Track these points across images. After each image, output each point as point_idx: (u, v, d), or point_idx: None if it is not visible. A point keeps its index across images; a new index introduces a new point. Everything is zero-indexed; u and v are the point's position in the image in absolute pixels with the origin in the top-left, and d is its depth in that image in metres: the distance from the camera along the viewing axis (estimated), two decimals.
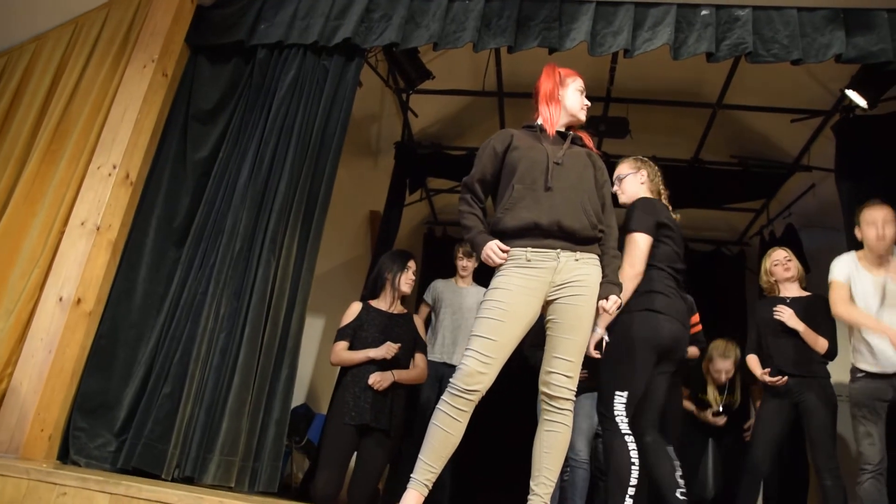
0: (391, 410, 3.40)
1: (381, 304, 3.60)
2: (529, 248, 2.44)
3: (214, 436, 3.05)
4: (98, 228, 3.32)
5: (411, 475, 2.32)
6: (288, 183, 3.49)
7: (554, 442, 2.37)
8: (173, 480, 2.95)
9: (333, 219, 3.75)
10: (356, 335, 3.47)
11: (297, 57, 3.75)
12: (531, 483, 2.37)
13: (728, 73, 4.58)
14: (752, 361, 3.89)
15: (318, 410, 5.56)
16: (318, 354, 6.16)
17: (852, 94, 4.13)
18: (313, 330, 6.11)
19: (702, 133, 5.29)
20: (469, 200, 2.65)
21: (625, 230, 2.95)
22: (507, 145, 2.63)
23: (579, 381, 3.41)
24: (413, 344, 3.60)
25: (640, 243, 2.91)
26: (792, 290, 3.90)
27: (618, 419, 2.78)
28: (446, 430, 2.30)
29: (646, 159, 3.28)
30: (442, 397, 2.36)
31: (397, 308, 3.65)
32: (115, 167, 3.41)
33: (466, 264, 4.56)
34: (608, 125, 5.01)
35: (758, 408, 3.85)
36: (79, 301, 3.23)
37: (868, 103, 4.10)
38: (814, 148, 5.10)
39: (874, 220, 3.34)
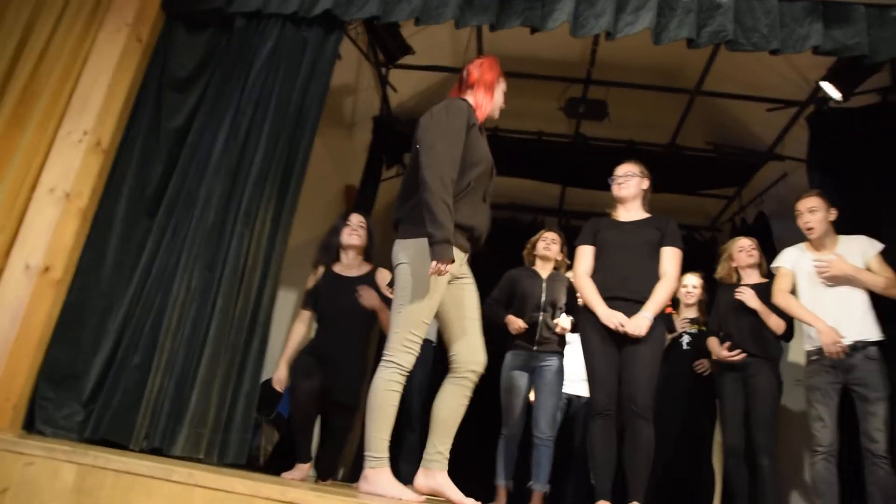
0: (354, 384, 3.46)
1: (341, 267, 3.66)
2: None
3: (184, 407, 3.04)
4: (68, 196, 3.25)
5: (377, 455, 2.42)
6: (263, 155, 3.45)
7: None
8: (142, 451, 2.94)
9: (308, 192, 3.72)
10: (316, 302, 3.57)
11: (275, 27, 3.69)
12: (434, 448, 2.56)
13: (708, 59, 4.61)
14: (713, 343, 4.00)
15: (288, 384, 5.55)
16: (291, 327, 6.13)
17: (827, 87, 4.18)
18: (286, 303, 6.07)
19: (679, 118, 5.32)
20: None
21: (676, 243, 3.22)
22: (470, 123, 2.63)
23: (547, 348, 3.64)
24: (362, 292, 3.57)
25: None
26: (752, 277, 4.04)
27: None
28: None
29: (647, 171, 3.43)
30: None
31: (358, 269, 3.66)
32: (85, 133, 3.34)
33: None
34: (587, 107, 5.03)
35: (721, 392, 3.94)
36: (46, 269, 3.17)
37: (842, 96, 4.16)
38: (788, 137, 5.17)
39: (800, 211, 3.57)
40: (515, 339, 4.02)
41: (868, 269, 3.38)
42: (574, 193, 6.56)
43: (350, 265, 3.66)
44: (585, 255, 3.33)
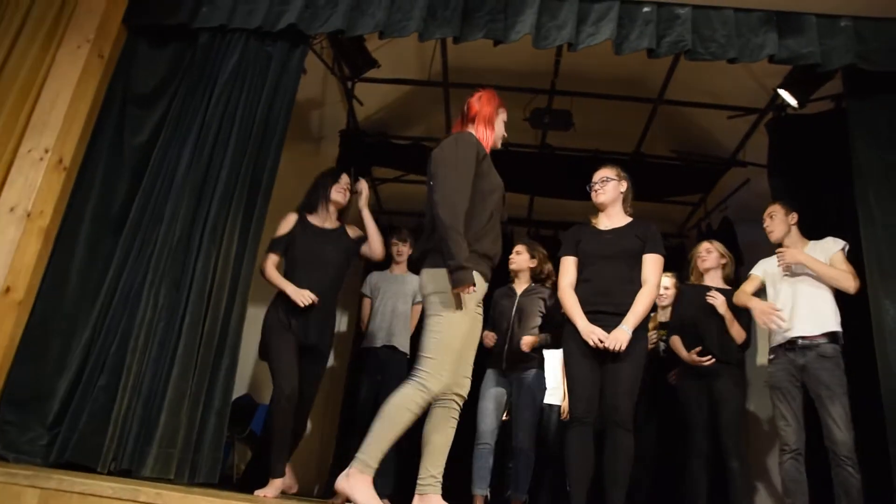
0: (325, 329, 3.54)
1: (316, 218, 3.65)
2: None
3: (153, 428, 2.99)
4: (29, 215, 3.20)
5: (369, 463, 2.44)
6: (230, 171, 3.43)
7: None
8: (109, 474, 2.89)
9: (276, 207, 3.71)
10: (288, 250, 3.51)
11: (240, 42, 3.68)
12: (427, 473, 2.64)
13: (669, 68, 4.69)
14: (677, 342, 4.04)
15: (260, 401, 5.50)
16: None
17: (784, 94, 4.28)
18: (256, 320, 6.00)
19: (643, 127, 5.40)
20: None
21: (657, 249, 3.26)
22: (480, 155, 2.75)
23: (522, 366, 3.70)
24: (349, 254, 3.69)
25: None
26: (715, 281, 4.10)
27: None
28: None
29: (625, 174, 3.49)
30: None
31: (332, 222, 3.69)
32: (47, 151, 3.29)
33: (402, 249, 4.60)
34: (552, 117, 5.07)
35: (685, 395, 3.99)
36: (8, 290, 3.11)
37: (798, 103, 4.27)
38: (749, 144, 5.27)
39: (763, 218, 3.77)
40: (490, 358, 4.05)
41: (835, 260, 3.48)
42: (543, 203, 6.61)
43: (325, 219, 3.68)
44: (568, 266, 3.33)
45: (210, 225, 3.31)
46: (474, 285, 2.51)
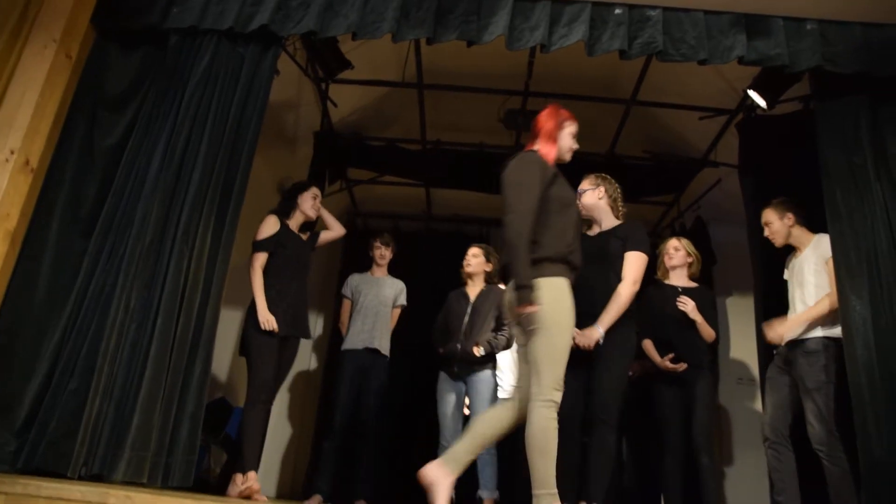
0: (301, 317, 3.80)
1: (293, 224, 3.90)
2: None
3: (124, 432, 2.96)
4: None
5: (549, 491, 2.47)
6: (202, 173, 3.40)
7: None
8: (80, 479, 2.84)
9: (250, 209, 3.69)
10: (276, 251, 3.68)
11: (211, 43, 3.65)
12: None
13: (641, 70, 4.74)
14: (649, 346, 4.09)
15: (236, 404, 5.45)
16: (236, 348, 6.02)
17: (754, 95, 4.34)
18: (231, 323, 5.95)
19: (617, 128, 5.45)
20: None
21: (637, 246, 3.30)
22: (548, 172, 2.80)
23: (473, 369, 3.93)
24: (310, 251, 4.01)
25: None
26: (680, 280, 4.14)
27: None
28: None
29: (606, 176, 3.51)
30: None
31: (303, 233, 3.96)
32: (12, 153, 3.24)
33: (384, 252, 4.60)
34: (525, 118, 5.10)
35: (658, 397, 4.04)
36: None
37: (767, 104, 4.33)
38: (720, 144, 5.34)
39: (766, 222, 3.76)
40: (444, 362, 4.11)
41: (826, 268, 3.52)
42: None
43: (297, 227, 3.92)
44: None
45: (182, 227, 3.28)
46: (534, 303, 2.56)
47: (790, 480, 3.35)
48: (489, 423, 2.68)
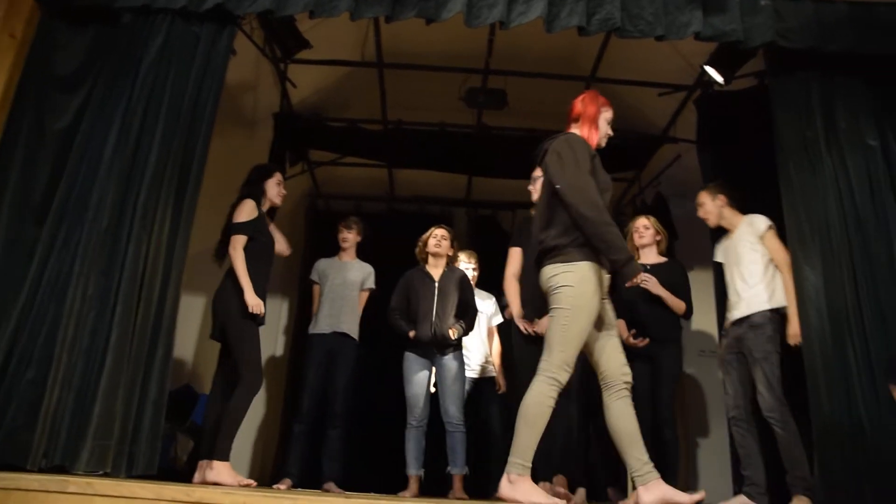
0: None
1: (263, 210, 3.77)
2: None
3: (86, 421, 2.91)
4: None
5: (524, 463, 2.52)
6: (158, 156, 3.34)
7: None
8: (41, 471, 2.79)
9: (211, 193, 3.64)
10: (254, 236, 3.57)
11: (164, 22, 3.57)
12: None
13: (600, 47, 4.77)
14: (620, 325, 4.15)
15: (201, 391, 5.40)
16: (200, 333, 5.96)
17: (710, 71, 4.40)
18: (194, 310, 5.89)
19: None
20: None
21: None
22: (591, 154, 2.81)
23: (448, 344, 3.94)
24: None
25: None
26: (650, 257, 4.21)
27: None
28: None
29: None
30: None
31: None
32: None
33: (347, 236, 4.58)
34: (487, 96, 5.10)
35: None
36: None
37: (724, 79, 4.39)
38: (679, 120, 5.41)
39: (701, 202, 3.87)
40: (413, 344, 4.10)
41: (762, 244, 3.62)
42: (481, 183, 6.65)
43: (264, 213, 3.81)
44: (515, 257, 3.45)
45: (140, 211, 3.22)
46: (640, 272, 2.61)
47: (755, 455, 3.46)
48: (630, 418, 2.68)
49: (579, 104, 2.99)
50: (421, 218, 6.64)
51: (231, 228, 3.57)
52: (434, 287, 4.14)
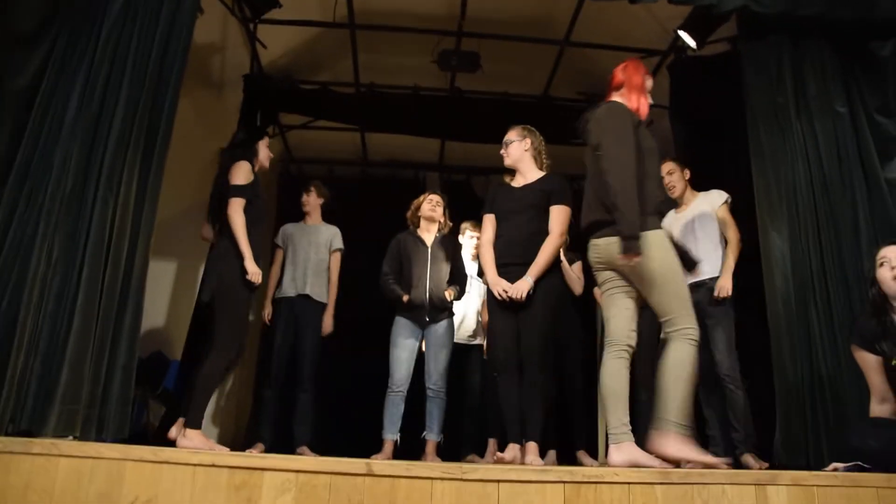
0: None
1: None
2: None
3: (53, 385, 2.86)
4: None
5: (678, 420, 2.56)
6: (124, 116, 3.24)
7: None
8: (7, 436, 2.76)
9: (179, 156, 3.57)
10: (253, 201, 3.45)
11: None
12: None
13: (574, 10, 4.73)
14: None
15: (172, 357, 5.38)
16: (171, 299, 5.91)
17: (684, 35, 4.40)
18: (165, 274, 5.83)
19: (551, 70, 5.45)
20: None
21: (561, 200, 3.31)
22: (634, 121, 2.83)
23: (439, 316, 4.02)
24: None
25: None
26: None
27: None
28: None
29: (532, 129, 3.52)
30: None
31: None
32: None
33: (307, 199, 4.55)
34: (460, 59, 5.06)
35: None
36: None
37: (697, 44, 4.40)
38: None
39: (664, 175, 3.83)
40: (405, 309, 4.09)
41: (718, 218, 3.71)
42: (454, 148, 6.62)
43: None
44: (487, 223, 3.44)
45: (105, 173, 3.14)
46: (640, 254, 2.59)
47: (720, 416, 3.54)
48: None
49: (620, 73, 2.98)
50: (393, 182, 6.61)
51: (230, 191, 3.41)
52: (427, 252, 4.14)
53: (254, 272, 3.34)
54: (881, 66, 3.68)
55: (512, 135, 3.49)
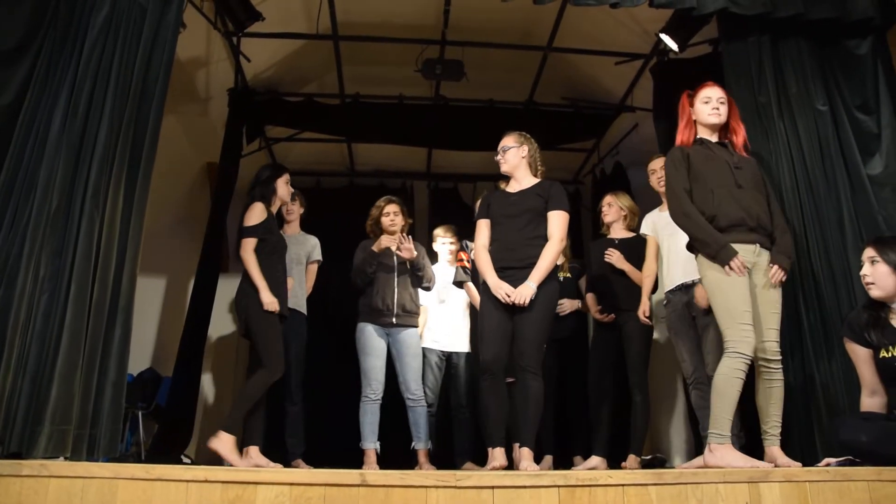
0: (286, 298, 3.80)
1: (273, 210, 3.87)
2: None
3: (43, 405, 2.83)
4: None
5: (723, 433, 2.76)
6: (108, 131, 3.22)
7: (778, 394, 2.94)
8: None
9: (166, 172, 3.57)
10: (265, 237, 3.67)
11: None
12: (764, 427, 2.95)
13: (556, 16, 4.76)
14: (591, 300, 4.26)
15: (164, 374, 5.35)
16: (162, 315, 5.89)
17: (665, 38, 4.44)
18: (154, 290, 5.82)
19: (535, 76, 5.48)
20: None
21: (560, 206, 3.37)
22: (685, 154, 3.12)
23: (405, 322, 4.06)
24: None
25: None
26: (618, 232, 4.29)
27: None
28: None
29: (528, 136, 3.53)
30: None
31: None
32: None
33: (292, 208, 4.54)
34: (444, 67, 5.07)
35: (592, 339, 4.22)
36: None
37: (679, 47, 4.43)
38: (636, 89, 5.45)
39: (653, 170, 3.96)
40: (371, 315, 4.11)
41: None
42: (441, 156, 6.64)
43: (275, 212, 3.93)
44: (482, 229, 3.44)
45: (91, 189, 3.12)
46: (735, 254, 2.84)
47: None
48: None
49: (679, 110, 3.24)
50: (382, 192, 6.60)
51: (242, 232, 3.67)
52: (393, 258, 4.16)
53: (267, 302, 3.54)
54: (859, 64, 3.72)
55: (509, 140, 3.48)
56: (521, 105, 5.69)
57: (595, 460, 3.93)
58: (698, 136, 3.14)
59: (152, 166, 3.30)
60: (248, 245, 3.62)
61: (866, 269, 2.76)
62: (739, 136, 3.16)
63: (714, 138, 3.14)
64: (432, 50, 5.15)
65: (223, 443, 3.39)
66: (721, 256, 2.82)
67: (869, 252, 2.77)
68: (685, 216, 2.97)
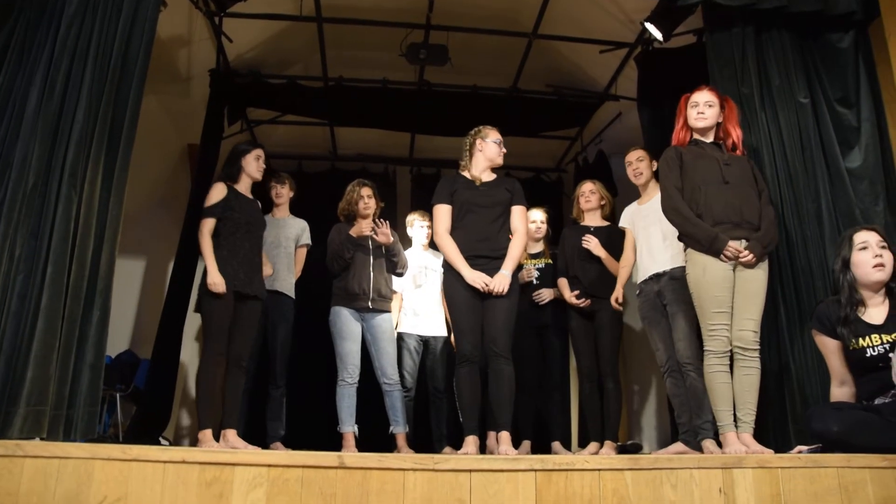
0: (256, 277, 3.77)
1: (241, 188, 3.82)
2: None
3: (18, 386, 2.80)
4: None
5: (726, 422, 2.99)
6: (86, 111, 3.17)
7: (752, 381, 3.02)
8: None
9: (147, 152, 3.53)
10: (225, 215, 3.66)
11: None
12: (738, 413, 3.01)
13: (542, 3, 4.75)
14: (562, 284, 4.26)
15: (143, 356, 5.32)
16: (141, 297, 5.84)
17: (650, 27, 4.44)
18: (134, 272, 5.76)
19: (519, 63, 5.47)
20: None
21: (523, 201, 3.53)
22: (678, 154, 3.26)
23: (379, 307, 4.13)
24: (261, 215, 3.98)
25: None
26: (594, 220, 4.32)
27: None
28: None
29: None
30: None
31: (249, 194, 3.88)
32: None
33: (281, 191, 4.52)
34: (428, 52, 5.05)
35: (570, 326, 4.23)
36: None
37: (664, 36, 4.44)
38: (620, 78, 5.46)
39: (630, 161, 3.97)
40: (346, 299, 4.11)
41: None
42: (424, 141, 6.62)
43: (246, 190, 3.86)
44: (444, 214, 3.45)
45: (69, 169, 3.07)
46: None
47: (688, 403, 3.58)
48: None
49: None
50: (364, 176, 6.56)
51: (201, 212, 3.69)
52: (368, 241, 4.16)
53: (211, 283, 3.52)
54: (841, 57, 3.75)
55: (498, 134, 3.59)
56: (504, 91, 5.68)
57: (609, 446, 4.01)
58: (693, 138, 3.29)
59: (132, 147, 3.26)
60: (204, 226, 3.64)
61: (879, 251, 2.73)
62: (731, 137, 3.24)
63: (708, 139, 3.26)
64: (417, 34, 5.12)
65: (201, 441, 3.46)
66: (714, 248, 2.97)
67: (875, 237, 2.78)
68: (676, 213, 3.12)
